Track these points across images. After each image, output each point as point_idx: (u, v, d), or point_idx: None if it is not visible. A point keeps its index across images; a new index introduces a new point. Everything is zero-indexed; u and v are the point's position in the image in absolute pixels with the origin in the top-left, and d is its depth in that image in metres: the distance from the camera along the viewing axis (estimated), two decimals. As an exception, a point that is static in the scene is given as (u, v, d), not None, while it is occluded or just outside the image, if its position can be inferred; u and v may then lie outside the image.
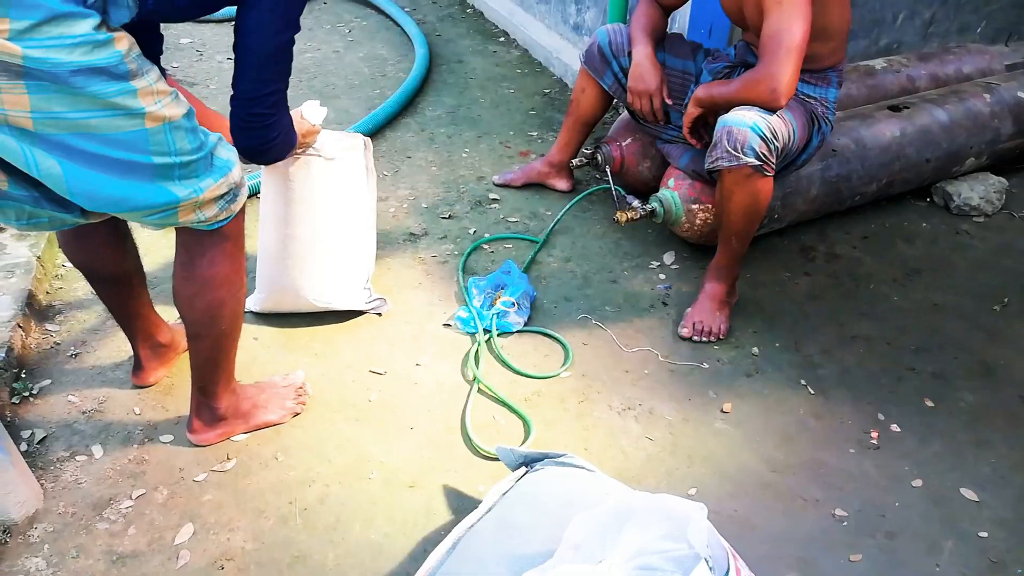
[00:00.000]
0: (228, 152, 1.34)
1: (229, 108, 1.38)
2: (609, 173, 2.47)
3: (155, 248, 2.24)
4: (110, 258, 1.61)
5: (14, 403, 1.78)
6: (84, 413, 1.77)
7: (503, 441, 1.72)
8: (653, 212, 2.23)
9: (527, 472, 1.46)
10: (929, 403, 1.86)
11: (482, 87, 3.41)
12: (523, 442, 1.74)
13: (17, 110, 1.07)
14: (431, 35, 3.83)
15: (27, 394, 1.81)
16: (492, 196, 2.63)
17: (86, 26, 1.06)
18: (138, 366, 1.81)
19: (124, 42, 1.12)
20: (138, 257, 1.69)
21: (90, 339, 1.97)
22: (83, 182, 1.17)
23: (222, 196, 1.34)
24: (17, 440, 1.68)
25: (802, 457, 1.72)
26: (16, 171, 1.18)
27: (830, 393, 1.88)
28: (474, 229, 2.47)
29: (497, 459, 1.64)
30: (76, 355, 1.93)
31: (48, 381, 1.85)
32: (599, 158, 2.53)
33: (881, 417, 1.82)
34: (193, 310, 1.48)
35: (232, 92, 1.35)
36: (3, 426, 1.50)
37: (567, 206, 2.53)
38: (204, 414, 1.66)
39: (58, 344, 1.96)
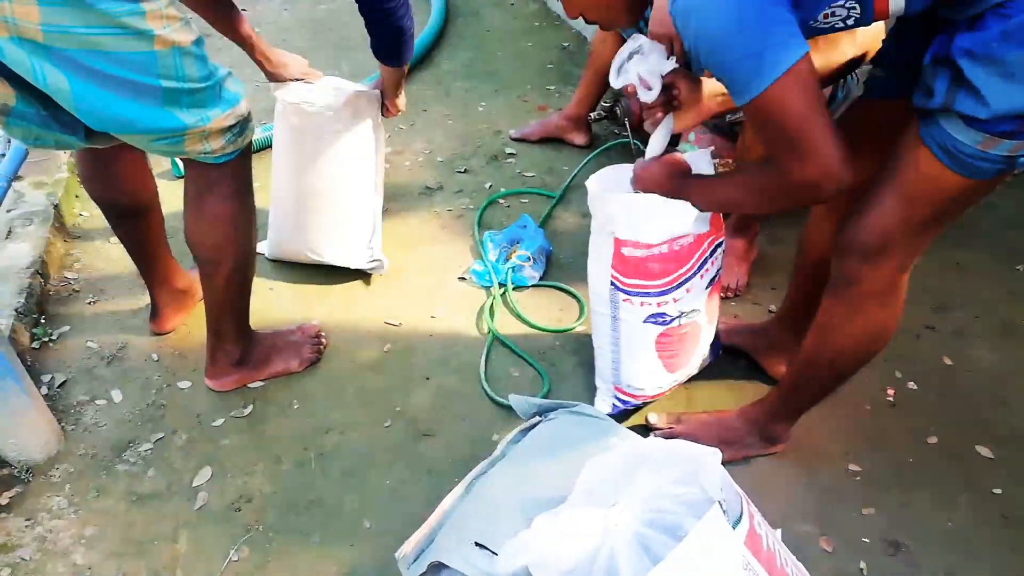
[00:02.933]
0: (236, 86, 1.36)
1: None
2: (628, 127, 2.44)
3: (170, 199, 2.25)
4: (130, 189, 1.62)
5: (34, 348, 1.80)
6: (103, 359, 1.79)
7: (519, 393, 1.72)
8: None
9: (540, 421, 1.46)
10: (948, 361, 1.85)
11: (499, 40, 3.36)
12: (540, 394, 1.74)
13: (27, 21, 1.08)
14: (448, -12, 3.77)
15: (47, 339, 1.83)
16: (508, 150, 2.61)
17: None
18: (155, 312, 1.83)
19: None
20: (157, 193, 1.70)
21: (108, 287, 1.99)
22: (91, 99, 1.17)
23: (229, 128, 1.35)
24: (38, 384, 1.70)
25: (817, 412, 1.70)
26: (25, 87, 1.18)
27: (847, 350, 1.87)
28: (490, 183, 2.45)
29: (511, 409, 1.64)
30: (95, 302, 1.95)
31: (67, 327, 1.87)
32: (618, 112, 2.49)
33: (899, 375, 1.81)
34: (203, 247, 1.50)
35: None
36: (24, 370, 1.52)
37: (584, 160, 2.50)
38: (219, 359, 1.68)
39: (77, 291, 1.98)
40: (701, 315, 1.59)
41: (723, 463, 1.10)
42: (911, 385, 1.78)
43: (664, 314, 1.53)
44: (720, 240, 1.57)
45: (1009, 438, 1.66)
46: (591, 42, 2.51)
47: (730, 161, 2.13)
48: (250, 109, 1.40)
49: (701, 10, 1.07)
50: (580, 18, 1.33)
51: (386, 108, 1.93)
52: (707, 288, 1.57)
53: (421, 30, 3.27)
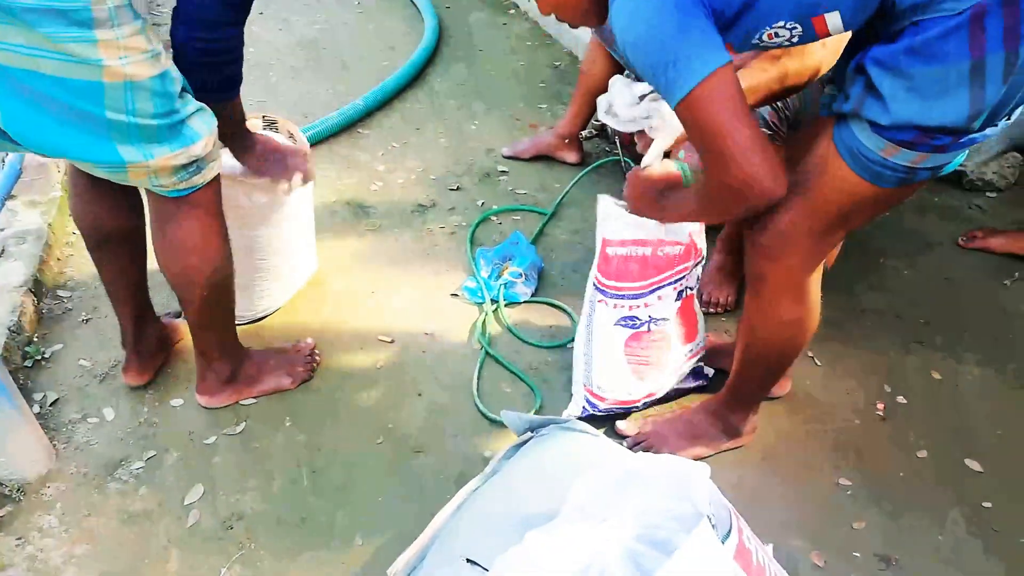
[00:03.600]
0: (203, 123, 1.28)
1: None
2: (619, 144, 2.46)
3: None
4: (119, 212, 1.55)
5: (27, 366, 1.80)
6: (96, 377, 1.79)
7: (511, 408, 1.73)
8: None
9: (532, 437, 1.47)
10: (937, 376, 1.86)
11: (491, 60, 3.39)
12: (532, 410, 1.75)
13: None
14: (440, 7, 3.80)
15: (39, 358, 1.83)
16: (501, 168, 2.63)
17: None
18: (129, 361, 1.73)
19: None
20: (144, 223, 1.62)
21: (101, 305, 1.99)
22: (20, 122, 1.12)
23: (182, 167, 1.28)
24: (30, 402, 1.70)
25: (808, 427, 1.72)
26: None
27: (837, 365, 1.88)
28: (482, 201, 2.47)
29: (503, 425, 1.65)
30: (87, 320, 1.95)
31: (60, 345, 1.87)
32: (609, 130, 2.52)
33: (888, 389, 1.82)
34: (169, 274, 1.48)
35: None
36: (17, 388, 1.52)
37: (576, 178, 2.53)
38: (209, 376, 1.68)
39: (70, 309, 1.98)
40: (671, 326, 1.63)
41: (695, 459, 1.12)
42: (901, 399, 1.79)
43: (635, 318, 1.59)
44: (700, 260, 1.63)
45: (999, 452, 1.67)
46: (582, 61, 2.53)
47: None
48: (210, 148, 1.32)
49: (624, 19, 1.11)
50: (552, 16, 1.34)
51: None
52: (677, 300, 1.62)
53: (414, 50, 3.30)
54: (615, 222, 1.55)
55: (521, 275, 2.09)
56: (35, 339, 1.88)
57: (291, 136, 1.80)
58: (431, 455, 1.65)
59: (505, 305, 2.04)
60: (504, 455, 1.47)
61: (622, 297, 1.57)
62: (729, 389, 1.59)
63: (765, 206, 1.19)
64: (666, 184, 1.46)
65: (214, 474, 1.59)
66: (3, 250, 2.03)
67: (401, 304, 2.05)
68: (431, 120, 2.90)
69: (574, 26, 1.37)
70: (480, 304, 2.05)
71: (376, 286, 2.10)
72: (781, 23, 1.13)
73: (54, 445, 1.62)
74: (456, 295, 2.09)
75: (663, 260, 1.56)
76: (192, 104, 1.27)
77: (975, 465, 1.64)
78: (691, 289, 1.67)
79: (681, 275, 1.60)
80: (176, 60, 1.28)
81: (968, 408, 1.78)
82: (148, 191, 1.39)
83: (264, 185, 1.71)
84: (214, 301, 1.54)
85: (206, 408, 1.71)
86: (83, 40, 1.07)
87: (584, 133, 2.68)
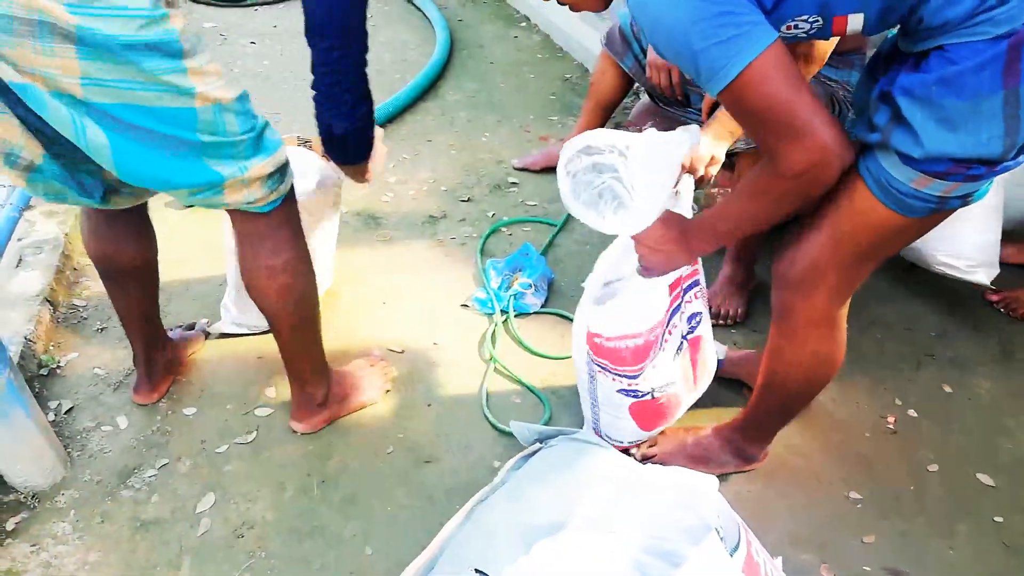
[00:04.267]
0: (275, 134, 1.33)
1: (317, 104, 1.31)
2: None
3: (174, 236, 2.28)
4: (133, 246, 1.57)
5: (42, 375, 1.82)
6: (110, 385, 1.81)
7: (520, 419, 1.74)
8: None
9: (541, 448, 1.47)
10: (948, 389, 1.85)
11: (503, 72, 3.41)
12: (541, 421, 1.75)
13: (67, 75, 1.05)
14: (452, 20, 3.84)
15: (55, 366, 1.85)
16: (511, 180, 2.65)
17: (142, 1, 1.05)
18: (141, 381, 1.76)
19: (179, 20, 1.11)
20: (157, 253, 1.64)
21: (115, 314, 2.00)
22: (129, 155, 1.14)
23: (269, 176, 1.32)
24: (45, 410, 1.72)
25: (818, 440, 1.72)
26: (52, 145, 1.16)
27: (847, 378, 1.88)
28: (493, 212, 2.48)
29: (513, 436, 1.66)
30: (102, 329, 1.97)
31: (75, 354, 1.90)
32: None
33: (898, 402, 1.82)
34: (265, 299, 1.47)
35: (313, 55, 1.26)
36: (32, 396, 1.54)
37: (586, 190, 2.53)
38: (304, 402, 1.69)
39: (85, 318, 2.01)
40: (678, 385, 1.59)
41: None
42: (911, 413, 1.79)
43: (636, 390, 1.53)
44: (691, 281, 1.57)
45: (1010, 466, 1.67)
46: (592, 74, 2.55)
47: (728, 190, 2.16)
48: (287, 156, 1.37)
49: (653, 5, 1.02)
50: (554, 2, 1.28)
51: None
52: (676, 356, 1.57)
53: (427, 62, 3.33)
54: (605, 314, 1.44)
55: (531, 286, 2.10)
56: (51, 348, 1.90)
57: (325, 155, 1.82)
58: (440, 465, 1.66)
59: (515, 316, 2.05)
60: (513, 466, 1.48)
61: (619, 376, 1.51)
62: (746, 419, 1.56)
63: (837, 175, 1.07)
64: (675, 220, 1.35)
65: (226, 483, 1.61)
66: (20, 260, 2.06)
67: (411, 315, 2.07)
68: (442, 132, 2.92)
69: (575, 10, 1.29)
70: (490, 315, 2.06)
71: (387, 296, 2.12)
72: (805, 15, 1.07)
73: (68, 453, 1.64)
74: (466, 306, 2.10)
75: (658, 335, 1.49)
76: (261, 117, 1.31)
77: (987, 479, 1.63)
78: (694, 330, 1.62)
79: (665, 327, 1.52)
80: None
81: (979, 422, 1.77)
82: (237, 216, 1.39)
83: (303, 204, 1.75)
84: (308, 320, 1.55)
85: (303, 434, 1.71)
86: (177, 70, 1.11)
87: (594, 145, 2.70)
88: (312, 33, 1.22)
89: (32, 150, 1.13)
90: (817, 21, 1.08)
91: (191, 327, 1.92)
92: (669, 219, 1.34)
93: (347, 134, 1.34)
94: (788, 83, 1.01)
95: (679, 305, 1.57)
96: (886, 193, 1.13)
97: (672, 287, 1.52)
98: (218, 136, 1.19)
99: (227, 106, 1.18)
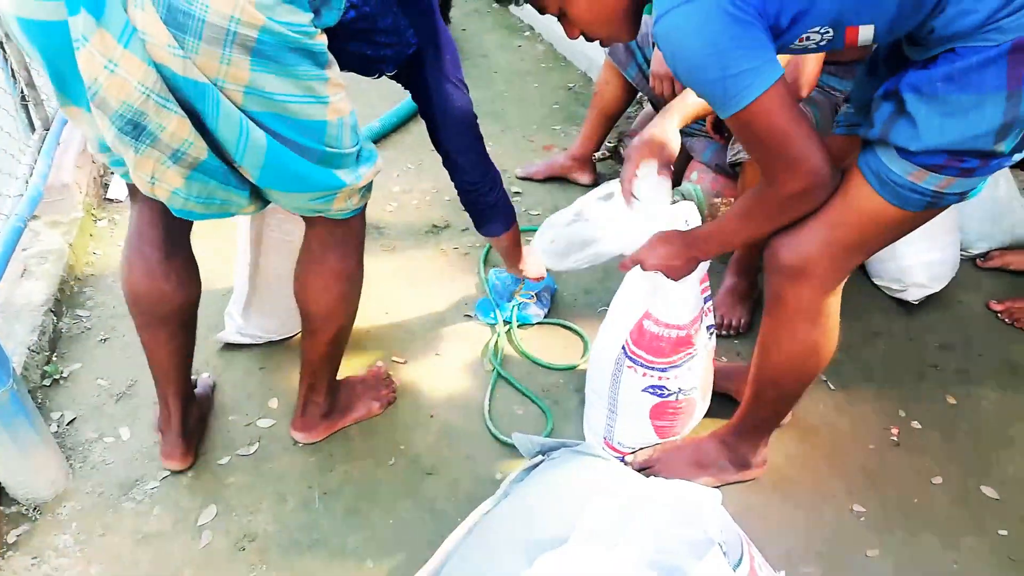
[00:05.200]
0: (370, 145, 1.39)
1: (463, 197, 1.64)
2: (631, 167, 2.47)
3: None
4: (187, 283, 1.52)
5: (45, 385, 1.83)
6: (113, 396, 1.82)
7: (523, 431, 1.73)
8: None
9: (543, 460, 1.47)
10: (951, 400, 1.85)
11: (507, 81, 3.42)
12: (543, 432, 1.75)
13: (235, 83, 1.12)
14: (456, 29, 3.85)
15: (58, 377, 1.85)
16: (515, 189, 2.65)
17: (306, 18, 1.13)
18: (174, 443, 1.63)
19: (323, 37, 1.18)
20: (198, 300, 1.58)
21: (119, 325, 2.01)
22: (278, 156, 1.21)
23: (367, 184, 1.38)
24: (48, 421, 1.72)
25: (822, 452, 1.71)
26: (215, 142, 1.21)
27: (851, 389, 1.87)
28: (496, 222, 2.48)
29: (515, 447, 1.65)
30: (106, 340, 1.98)
31: (79, 365, 1.90)
32: (621, 151, 2.53)
33: (902, 414, 1.81)
34: (319, 303, 1.51)
35: (460, 186, 1.61)
36: (35, 407, 1.55)
37: (589, 200, 2.53)
38: (310, 411, 1.69)
39: (89, 329, 2.01)
40: (697, 392, 1.62)
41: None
42: (915, 424, 1.78)
43: (663, 387, 1.57)
44: (706, 295, 1.61)
45: (1014, 479, 1.66)
46: (596, 83, 2.55)
47: (732, 200, 2.16)
48: None
49: (680, 33, 1.09)
50: (581, 37, 1.34)
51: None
52: (700, 361, 1.59)
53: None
54: (665, 299, 1.50)
55: (533, 296, 2.10)
56: (54, 358, 1.90)
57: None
58: (443, 477, 1.65)
59: (518, 326, 2.05)
60: (515, 478, 1.47)
61: (652, 369, 1.54)
62: (740, 416, 1.58)
63: (825, 197, 1.21)
64: (674, 238, 1.43)
65: (227, 495, 1.60)
66: (25, 270, 2.07)
67: (414, 324, 2.07)
68: (446, 141, 2.92)
69: (604, 45, 1.36)
70: (493, 325, 2.06)
71: (390, 306, 2.12)
72: (817, 27, 1.12)
73: (70, 464, 1.64)
74: (469, 316, 2.10)
75: (695, 331, 1.55)
76: (360, 132, 1.37)
77: (991, 492, 1.62)
78: (709, 340, 1.64)
79: (699, 335, 1.57)
80: None
81: (983, 434, 1.76)
82: (319, 222, 1.44)
83: None
84: (346, 330, 1.60)
85: (305, 445, 1.71)
86: (320, 78, 1.18)
87: (597, 155, 2.70)
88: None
89: (199, 147, 1.17)
90: (828, 33, 1.13)
91: (195, 384, 1.79)
92: (669, 237, 1.42)
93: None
94: (789, 115, 1.12)
95: (704, 306, 1.60)
96: (883, 185, 1.18)
97: (701, 281, 1.57)
98: (337, 148, 1.27)
99: (345, 120, 1.26)
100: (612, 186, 1.58)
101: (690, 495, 1.11)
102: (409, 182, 2.68)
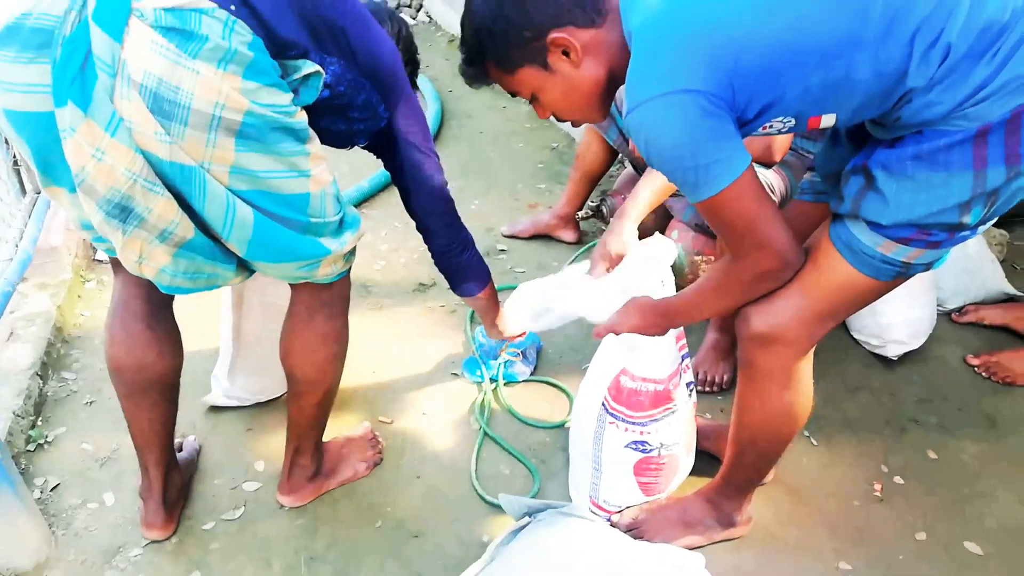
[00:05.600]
0: (353, 211, 1.43)
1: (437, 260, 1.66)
2: (614, 225, 2.52)
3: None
4: (170, 351, 1.54)
5: (29, 450, 1.82)
6: (97, 461, 1.81)
7: (510, 491, 1.73)
8: (672, 267, 2.27)
9: (530, 522, 1.47)
10: (933, 455, 1.87)
11: (493, 141, 3.50)
12: (530, 493, 1.75)
13: (221, 164, 1.16)
14: (443, 91, 3.94)
15: (42, 441, 1.84)
16: (500, 247, 2.69)
17: (287, 99, 1.17)
18: (155, 511, 1.61)
19: (303, 115, 1.23)
20: (181, 369, 1.59)
21: (105, 387, 2.01)
22: (264, 230, 1.25)
23: (351, 249, 1.43)
24: (31, 487, 1.71)
25: (806, 509, 1.72)
26: (201, 220, 1.24)
27: (834, 444, 1.89)
28: (482, 279, 2.51)
29: (502, 508, 1.65)
30: (91, 403, 1.97)
31: (63, 428, 1.89)
32: (604, 210, 2.59)
33: (885, 469, 1.83)
34: (305, 366, 1.53)
35: (433, 249, 1.63)
36: (19, 474, 1.54)
37: (574, 256, 2.58)
38: (295, 475, 1.69)
39: (74, 391, 2.01)
40: (680, 448, 1.64)
41: (689, 548, 1.12)
42: (897, 479, 1.80)
43: (645, 443, 1.59)
44: (683, 353, 1.65)
45: (996, 534, 1.67)
46: (578, 146, 2.62)
47: (711, 258, 2.21)
48: None
49: (655, 124, 1.13)
50: (551, 118, 1.37)
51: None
52: (681, 416, 1.61)
53: (416, 132, 3.41)
54: (641, 355, 1.55)
55: (519, 354, 2.12)
56: (39, 422, 1.90)
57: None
58: (429, 539, 1.65)
59: (504, 384, 2.07)
60: (502, 540, 1.47)
61: (633, 424, 1.56)
62: (723, 475, 1.59)
63: (790, 276, 1.26)
64: (646, 305, 1.47)
65: (212, 561, 1.59)
66: (11, 333, 2.07)
67: (401, 383, 2.08)
68: (432, 200, 2.97)
69: (576, 125, 1.39)
70: (479, 383, 2.07)
71: (377, 365, 2.13)
72: (781, 117, 1.17)
73: (53, 532, 1.63)
74: (456, 374, 2.12)
75: (673, 385, 1.58)
76: (343, 200, 1.41)
77: (974, 548, 1.63)
78: (690, 397, 1.67)
79: (679, 390, 1.61)
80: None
81: (965, 488, 1.78)
82: (304, 287, 1.48)
83: None
84: (332, 393, 1.61)
85: (291, 508, 1.70)
86: (302, 153, 1.23)
87: (581, 213, 2.76)
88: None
89: (185, 226, 1.20)
90: (791, 121, 1.19)
91: (180, 448, 1.80)
92: (641, 306, 1.47)
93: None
94: (756, 201, 1.17)
95: (682, 364, 1.63)
96: (855, 255, 1.22)
97: (677, 339, 1.61)
98: (320, 218, 1.31)
99: (327, 190, 1.30)
100: (585, 268, 1.71)
101: (676, 559, 1.12)
102: (396, 241, 2.72)
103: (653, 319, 1.44)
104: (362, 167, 3.10)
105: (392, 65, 1.40)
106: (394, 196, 2.94)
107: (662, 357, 1.55)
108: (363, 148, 1.53)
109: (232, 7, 1.09)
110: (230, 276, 1.35)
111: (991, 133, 1.05)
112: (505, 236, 2.75)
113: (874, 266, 1.21)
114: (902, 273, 1.22)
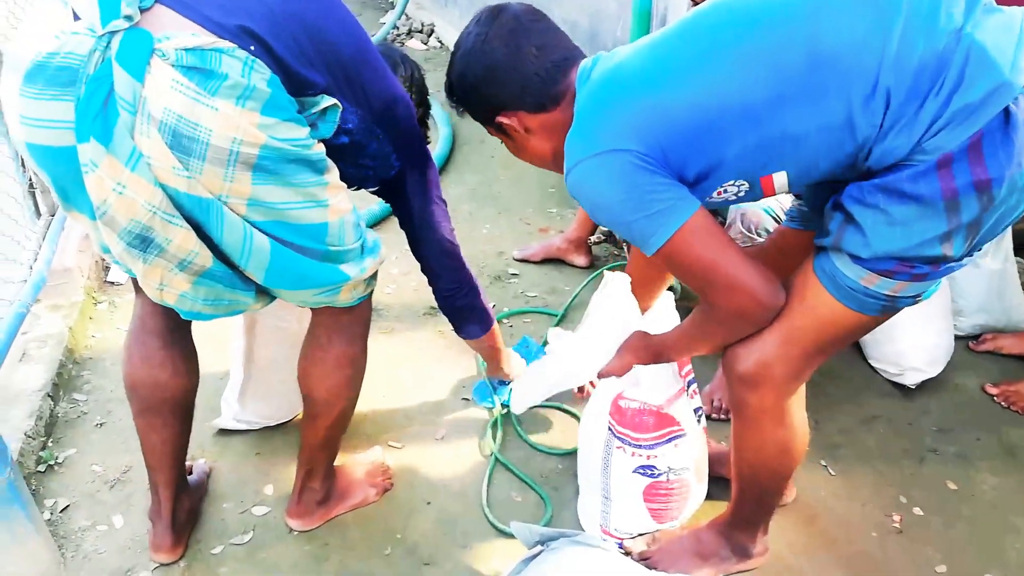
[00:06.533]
0: (374, 235, 1.44)
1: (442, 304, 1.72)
2: (626, 249, 2.52)
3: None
4: (185, 371, 1.54)
5: (39, 472, 1.81)
6: (107, 483, 1.80)
7: (521, 518, 1.71)
8: (671, 288, 2.26)
9: (543, 551, 1.45)
10: (952, 486, 1.84)
11: (504, 165, 3.50)
12: (542, 520, 1.73)
13: (238, 197, 1.18)
14: (454, 115, 3.96)
15: (52, 463, 1.84)
16: (512, 271, 2.69)
17: (304, 132, 1.19)
18: (164, 534, 1.60)
19: (320, 146, 1.24)
20: (196, 390, 1.60)
21: (116, 409, 2.01)
22: (281, 258, 1.26)
23: (372, 274, 1.44)
24: (41, 508, 1.70)
25: (824, 539, 1.69)
26: (219, 250, 1.24)
27: (851, 474, 1.86)
28: (494, 303, 2.51)
29: (514, 536, 1.63)
30: (102, 424, 1.97)
31: (74, 450, 1.89)
32: (616, 235, 2.58)
33: (903, 500, 1.80)
34: (322, 388, 1.53)
35: (437, 292, 1.69)
36: (31, 496, 1.53)
37: (585, 281, 2.57)
38: (305, 498, 1.68)
39: (85, 413, 2.01)
40: (690, 473, 1.62)
41: None
42: (917, 511, 1.77)
43: (653, 467, 1.58)
44: (690, 378, 1.66)
45: (1018, 565, 1.64)
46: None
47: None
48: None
49: (592, 184, 1.19)
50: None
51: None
52: (690, 441, 1.60)
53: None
54: (636, 381, 1.58)
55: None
56: (49, 443, 1.89)
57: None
58: (440, 568, 1.63)
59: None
60: (514, 569, 1.45)
61: (639, 447, 1.56)
62: (733, 507, 1.57)
63: (769, 317, 1.23)
64: (644, 342, 1.50)
65: (220, 586, 1.57)
66: (24, 354, 2.08)
67: (412, 408, 2.07)
68: (444, 224, 2.98)
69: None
70: (491, 409, 2.06)
71: (387, 390, 2.12)
72: (731, 180, 1.19)
73: (63, 553, 1.62)
74: (467, 400, 2.11)
75: (676, 410, 1.58)
76: (364, 225, 1.42)
77: (996, 581, 1.60)
78: (699, 421, 1.67)
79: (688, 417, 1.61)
80: None
81: (985, 520, 1.75)
82: (325, 311, 1.48)
83: None
84: (347, 416, 1.62)
85: (300, 533, 1.69)
86: (320, 184, 1.24)
87: (593, 238, 2.75)
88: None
89: (204, 256, 1.22)
90: (744, 185, 1.20)
91: (190, 471, 1.78)
92: (635, 346, 1.51)
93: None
94: (712, 245, 1.18)
95: (688, 390, 1.62)
96: (839, 289, 1.20)
97: (681, 365, 1.62)
98: (340, 245, 1.32)
99: (346, 218, 1.31)
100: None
101: (692, 590, 1.09)
102: (408, 264, 2.71)
103: (646, 357, 1.49)
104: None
105: (406, 116, 1.43)
106: (406, 220, 2.98)
107: (660, 380, 1.56)
108: (372, 192, 1.54)
109: (252, 47, 1.12)
110: (250, 302, 1.36)
111: (954, 163, 1.05)
112: (516, 260, 2.75)
113: (858, 300, 1.19)
114: (888, 307, 1.20)
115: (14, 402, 1.90)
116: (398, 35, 4.88)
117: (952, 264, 1.14)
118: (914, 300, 1.20)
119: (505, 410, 2.04)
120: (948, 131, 1.03)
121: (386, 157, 1.40)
